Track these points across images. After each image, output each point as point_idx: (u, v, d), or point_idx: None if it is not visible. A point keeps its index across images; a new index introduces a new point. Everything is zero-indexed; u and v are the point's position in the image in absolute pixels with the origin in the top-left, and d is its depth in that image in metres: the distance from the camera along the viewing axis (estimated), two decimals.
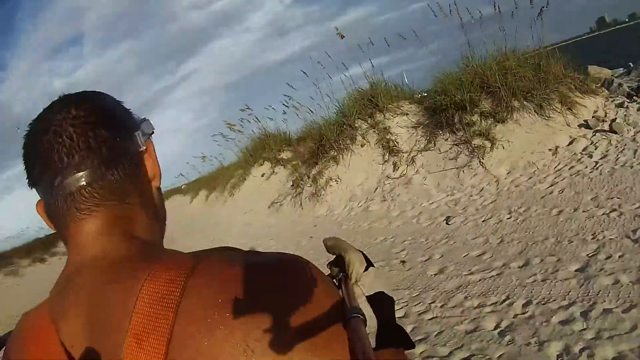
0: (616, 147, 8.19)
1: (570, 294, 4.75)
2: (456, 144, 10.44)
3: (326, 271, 1.20)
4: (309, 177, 13.89)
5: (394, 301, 1.20)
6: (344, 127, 13.21)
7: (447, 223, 8.22)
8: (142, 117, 1.12)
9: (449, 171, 10.12)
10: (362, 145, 12.71)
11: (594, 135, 8.80)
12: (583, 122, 9.23)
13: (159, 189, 1.15)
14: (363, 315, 0.91)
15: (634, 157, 7.59)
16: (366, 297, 1.17)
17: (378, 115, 12.77)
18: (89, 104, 1.03)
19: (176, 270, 0.85)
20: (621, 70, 11.73)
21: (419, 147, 11.28)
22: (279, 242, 11.67)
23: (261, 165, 17.46)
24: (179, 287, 0.82)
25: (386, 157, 12.02)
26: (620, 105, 9.44)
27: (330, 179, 13.02)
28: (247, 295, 0.81)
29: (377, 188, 11.64)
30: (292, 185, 14.58)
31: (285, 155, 16.55)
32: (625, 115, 9.02)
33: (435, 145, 10.93)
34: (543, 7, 10.79)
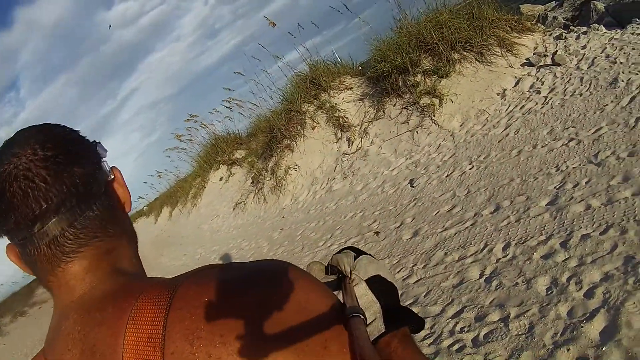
0: (562, 78, 8.24)
1: (546, 228, 4.77)
2: (405, 107, 10.42)
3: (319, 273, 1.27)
4: (267, 171, 13.82)
5: (394, 285, 1.20)
6: (292, 113, 13.15)
7: (411, 186, 8.21)
8: (93, 140, 1.08)
9: (403, 135, 10.11)
10: (313, 128, 12.66)
11: (539, 71, 8.86)
12: (525, 61, 9.28)
13: (127, 214, 1.12)
14: (363, 314, 0.91)
15: (582, 85, 7.65)
16: (365, 281, 1.17)
17: (323, 95, 12.72)
18: (52, 141, 0.97)
19: (155, 306, 0.84)
20: (554, 3, 11.81)
21: (369, 117, 11.25)
22: (251, 240, 11.63)
23: (217, 169, 17.43)
24: (161, 326, 0.81)
25: (339, 134, 12.00)
26: (559, 37, 9.52)
27: (289, 168, 12.96)
28: (227, 320, 0.80)
29: (336, 167, 11.63)
30: (252, 182, 14.54)
31: (239, 154, 16.52)
32: (565, 46, 9.09)
33: (384, 112, 10.91)
34: None
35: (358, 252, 1.26)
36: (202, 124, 18.42)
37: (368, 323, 1.07)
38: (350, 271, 1.20)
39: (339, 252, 1.28)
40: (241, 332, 0.78)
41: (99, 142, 1.08)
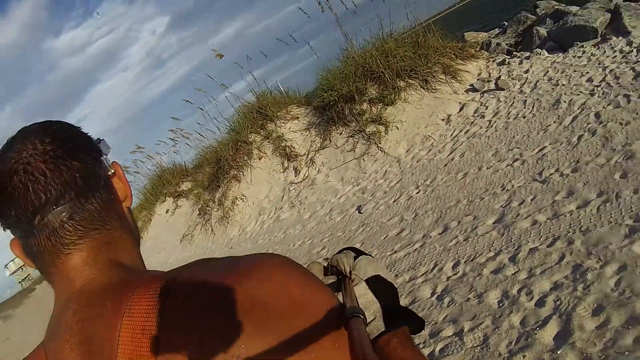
0: (505, 102, 8.44)
1: (494, 245, 4.85)
2: (351, 136, 10.50)
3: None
4: (214, 202, 13.74)
5: (394, 286, 1.20)
6: (239, 143, 13.13)
7: (359, 212, 8.24)
8: (97, 138, 1.11)
9: (350, 163, 10.18)
10: (259, 158, 12.66)
11: (482, 96, 9.06)
12: (470, 87, 9.50)
13: (129, 209, 1.13)
14: (363, 315, 0.90)
15: (525, 107, 7.84)
16: (364, 281, 1.18)
17: (269, 125, 12.76)
18: (52, 136, 0.99)
19: (150, 299, 0.84)
20: (497, 30, 12.11)
21: (316, 146, 11.31)
22: None
23: (163, 201, 17.26)
24: (155, 317, 0.81)
25: (285, 164, 12.02)
26: (502, 62, 9.79)
27: (236, 198, 12.91)
28: (221, 312, 0.80)
29: (283, 196, 11.63)
30: (199, 214, 14.41)
31: (185, 186, 16.38)
32: (508, 71, 9.35)
33: (330, 141, 10.98)
34: None
35: (358, 253, 1.26)
36: (148, 155, 18.23)
37: (367, 322, 1.07)
38: (350, 271, 1.20)
39: (339, 252, 1.29)
40: (232, 326, 0.78)
41: (103, 139, 1.10)
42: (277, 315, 0.80)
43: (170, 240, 15.76)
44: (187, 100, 15.70)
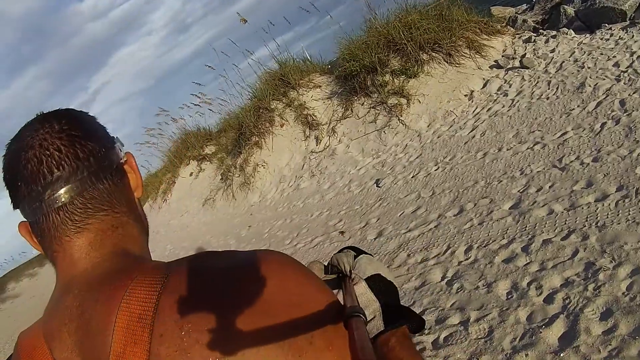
0: (529, 81, 8.30)
1: (508, 231, 4.79)
2: (373, 107, 10.43)
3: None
4: (236, 167, 13.75)
5: (394, 285, 1.22)
6: (261, 110, 13.10)
7: (377, 186, 8.21)
8: (113, 136, 1.12)
9: (371, 134, 10.12)
10: (281, 126, 12.63)
11: (507, 73, 8.92)
12: (494, 63, 9.35)
13: (139, 200, 1.15)
14: (363, 315, 0.89)
15: (549, 88, 7.71)
16: (364, 280, 1.20)
17: (292, 92, 12.70)
18: (68, 119, 1.02)
19: (149, 288, 0.85)
20: (524, 6, 11.88)
21: (337, 116, 11.25)
22: (219, 237, 11.59)
23: (187, 164, 17.30)
24: (152, 307, 0.82)
25: (307, 132, 11.99)
26: (528, 40, 9.59)
27: (257, 165, 12.94)
28: (218, 306, 0.80)
29: (304, 165, 11.63)
30: (222, 179, 14.45)
31: (209, 150, 16.39)
32: (534, 49, 9.16)
33: (352, 111, 10.92)
34: None
35: (358, 252, 1.29)
36: (173, 118, 18.26)
37: (367, 321, 1.08)
38: (350, 270, 1.22)
39: (339, 251, 1.31)
40: (229, 322, 0.78)
41: (117, 137, 1.11)
42: (274, 313, 0.80)
43: (192, 203, 15.88)
44: (209, 66, 15.63)
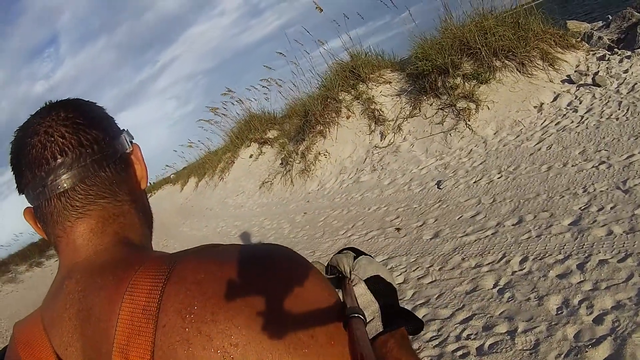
0: (600, 100, 8.20)
1: (565, 247, 4.78)
2: (441, 108, 10.41)
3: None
4: (297, 154, 13.87)
5: (393, 286, 1.24)
6: (328, 100, 13.17)
7: (438, 187, 8.24)
8: (123, 128, 1.15)
9: (436, 136, 10.11)
10: (347, 117, 12.68)
11: (578, 89, 8.81)
12: (566, 77, 9.23)
13: (144, 191, 1.18)
14: (363, 315, 0.92)
15: (619, 109, 7.61)
16: (364, 281, 1.22)
17: (361, 85, 12.72)
18: (75, 108, 1.06)
19: (153, 279, 0.86)
20: (600, 23, 11.67)
21: (404, 114, 11.26)
22: (273, 220, 11.71)
23: (248, 146, 17.45)
24: (157, 298, 0.83)
25: (372, 126, 12.01)
26: (602, 58, 9.43)
27: (319, 154, 13.01)
28: (222, 298, 0.81)
29: (366, 158, 11.64)
30: (281, 164, 14.58)
31: (272, 134, 16.52)
32: (607, 67, 9.01)
33: (420, 111, 10.92)
34: None
35: (358, 253, 1.32)
36: (239, 99, 18.42)
37: (367, 322, 1.10)
38: (350, 271, 1.25)
39: (339, 252, 1.34)
40: (233, 313, 0.79)
41: (126, 130, 1.15)
42: (278, 307, 0.81)
43: (249, 185, 16.00)
44: (280, 53, 15.73)
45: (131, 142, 1.14)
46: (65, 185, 0.99)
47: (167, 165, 32.31)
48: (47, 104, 1.08)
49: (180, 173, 27.89)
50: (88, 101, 1.13)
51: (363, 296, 1.18)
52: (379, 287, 1.21)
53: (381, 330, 1.13)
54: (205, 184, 20.82)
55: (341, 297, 1.09)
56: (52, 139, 0.99)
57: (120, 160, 1.07)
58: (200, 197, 20.66)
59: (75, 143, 1.00)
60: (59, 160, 0.98)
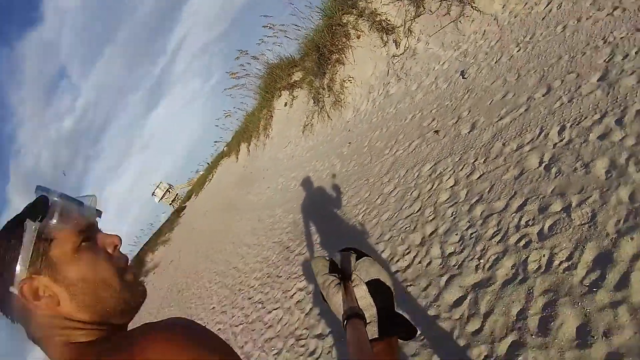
0: None
1: (599, 105, 4.66)
2: None
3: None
4: (324, 88, 13.80)
5: (391, 291, 1.26)
6: (334, 27, 13.00)
7: (463, 77, 8.16)
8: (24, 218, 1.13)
9: (447, 27, 9.90)
10: (358, 37, 12.51)
11: None
12: None
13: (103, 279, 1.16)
14: (363, 316, 0.98)
15: None
16: (365, 283, 1.24)
17: (360, 2, 12.49)
18: None
19: None
20: None
21: (410, 15, 11.04)
22: (324, 160, 11.85)
23: (280, 96, 17.46)
24: None
25: (384, 38, 11.82)
26: None
27: (344, 81, 12.95)
28: None
29: (388, 71, 11.54)
30: (314, 102, 14.54)
31: (297, 76, 16.43)
32: None
33: (424, 7, 10.65)
34: None
35: (359, 254, 1.34)
36: (253, 56, 18.35)
37: (367, 323, 1.15)
38: (352, 272, 1.28)
39: (342, 250, 1.37)
40: None
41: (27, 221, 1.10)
42: None
43: (293, 132, 16.14)
44: None
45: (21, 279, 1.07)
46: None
47: (215, 141, 32.78)
48: None
49: (231, 144, 28.13)
50: None
51: (363, 299, 1.21)
52: (378, 291, 1.23)
53: (377, 336, 1.16)
54: (254, 147, 20.99)
55: (342, 297, 1.18)
56: None
57: (16, 309, 1.09)
58: (254, 161, 20.95)
59: None
60: None
